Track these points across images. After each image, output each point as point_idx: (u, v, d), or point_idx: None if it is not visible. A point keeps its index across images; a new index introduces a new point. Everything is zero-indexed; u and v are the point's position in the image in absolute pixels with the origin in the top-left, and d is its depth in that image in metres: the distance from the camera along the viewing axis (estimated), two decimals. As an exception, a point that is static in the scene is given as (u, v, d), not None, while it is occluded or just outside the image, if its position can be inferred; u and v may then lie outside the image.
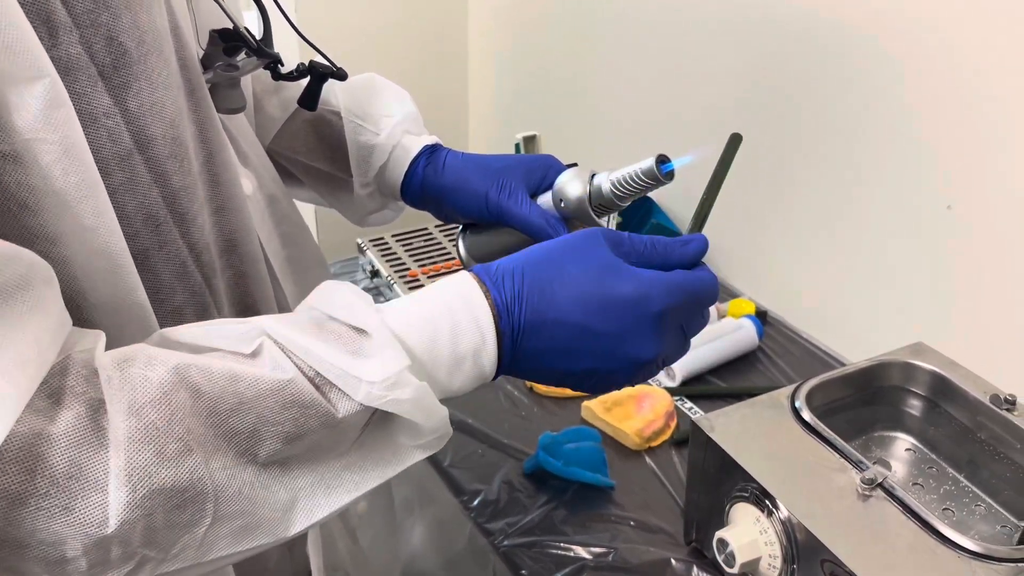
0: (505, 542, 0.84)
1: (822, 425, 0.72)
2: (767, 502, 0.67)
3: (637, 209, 1.41)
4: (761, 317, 1.19)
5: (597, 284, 0.50)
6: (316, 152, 0.80)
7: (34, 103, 0.41)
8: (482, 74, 1.77)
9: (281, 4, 0.68)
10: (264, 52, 0.62)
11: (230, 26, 0.60)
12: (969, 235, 0.98)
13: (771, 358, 1.14)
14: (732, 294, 1.28)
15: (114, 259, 0.46)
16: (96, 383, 0.40)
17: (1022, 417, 0.74)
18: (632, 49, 1.39)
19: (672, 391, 1.05)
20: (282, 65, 0.67)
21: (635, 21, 1.37)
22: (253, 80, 0.77)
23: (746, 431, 0.73)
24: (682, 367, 1.06)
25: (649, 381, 1.06)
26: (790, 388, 0.77)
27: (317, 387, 0.44)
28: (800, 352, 1.16)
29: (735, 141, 0.57)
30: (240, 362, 0.44)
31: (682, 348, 0.56)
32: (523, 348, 0.50)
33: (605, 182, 0.67)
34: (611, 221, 0.89)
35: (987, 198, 0.95)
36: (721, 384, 1.08)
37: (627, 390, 1.02)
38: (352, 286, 0.49)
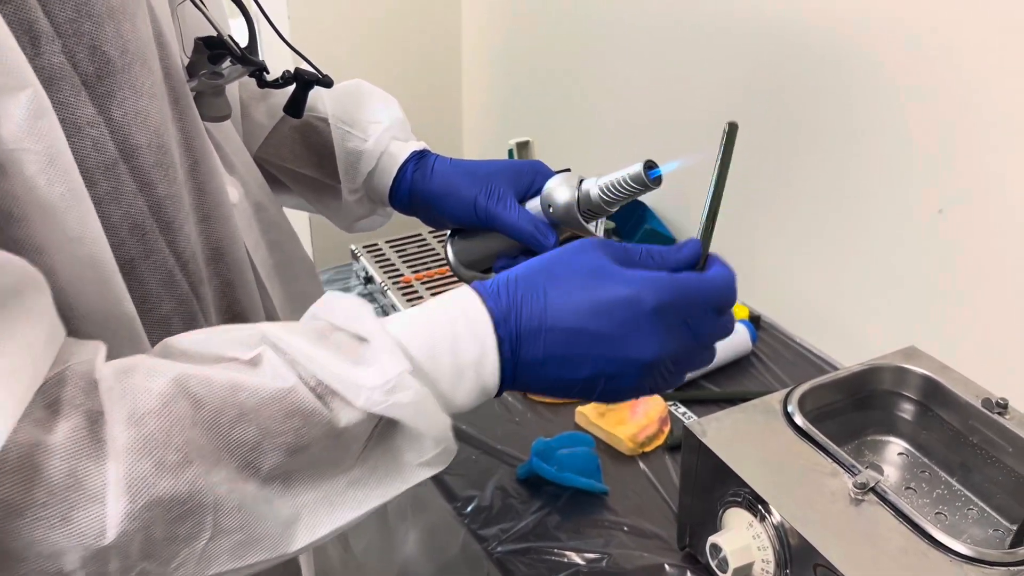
0: (499, 548, 0.84)
1: (814, 430, 0.72)
2: (760, 507, 0.67)
3: (630, 214, 1.41)
4: (755, 322, 1.19)
5: (589, 288, 0.51)
6: (304, 159, 0.80)
7: (18, 113, 0.40)
8: (476, 79, 1.78)
9: (267, 12, 0.68)
10: (248, 60, 0.62)
11: (214, 34, 0.60)
12: (961, 239, 0.98)
13: (764, 363, 1.14)
14: (725, 299, 1.28)
15: (101, 269, 0.46)
16: (95, 395, 0.40)
17: (1014, 421, 0.74)
18: (626, 55, 1.40)
19: (665, 396, 1.05)
20: (267, 73, 0.67)
21: (629, 27, 1.38)
22: (240, 87, 0.77)
23: (738, 436, 0.73)
24: (675, 372, 1.06)
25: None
26: (783, 393, 0.77)
27: (319, 396, 0.44)
28: (793, 356, 1.16)
29: (732, 131, 0.56)
30: (241, 371, 0.44)
31: (695, 351, 0.54)
32: (523, 358, 0.50)
33: (593, 187, 0.67)
34: (600, 226, 0.89)
35: (978, 202, 0.95)
36: (715, 389, 1.08)
37: (620, 395, 1.02)
38: (355, 297, 0.49)
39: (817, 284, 1.19)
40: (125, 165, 0.48)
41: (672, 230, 1.37)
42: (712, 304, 0.53)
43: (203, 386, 0.42)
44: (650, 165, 0.64)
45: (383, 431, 0.48)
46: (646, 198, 1.37)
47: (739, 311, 1.19)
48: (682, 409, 1.04)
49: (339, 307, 0.48)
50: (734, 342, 1.12)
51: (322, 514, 0.46)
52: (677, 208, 1.37)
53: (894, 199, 1.05)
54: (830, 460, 0.70)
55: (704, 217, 0.57)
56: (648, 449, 0.97)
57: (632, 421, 0.99)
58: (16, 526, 0.37)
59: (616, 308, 0.50)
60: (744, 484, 0.68)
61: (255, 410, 0.42)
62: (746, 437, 0.73)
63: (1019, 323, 0.95)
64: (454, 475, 0.93)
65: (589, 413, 1.00)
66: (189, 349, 0.45)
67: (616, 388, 0.53)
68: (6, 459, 0.36)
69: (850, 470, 0.68)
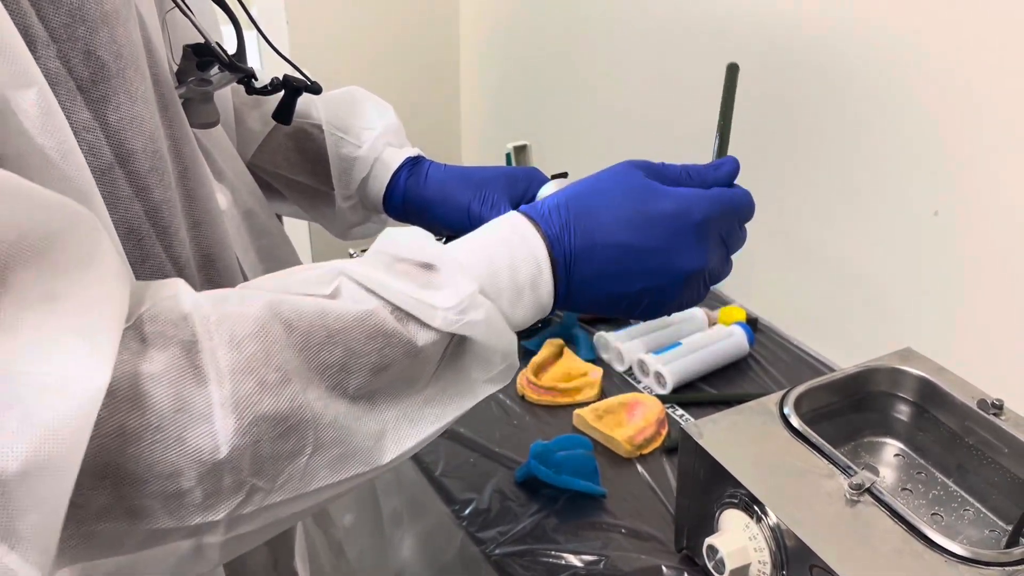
0: (496, 551, 0.84)
1: (810, 431, 0.73)
2: (756, 508, 0.68)
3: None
4: (752, 324, 1.19)
5: (639, 203, 0.53)
6: (298, 166, 0.80)
7: (31, 109, 0.41)
8: (473, 84, 1.78)
9: (257, 20, 0.68)
10: (236, 67, 0.62)
11: (202, 41, 0.60)
12: (955, 240, 0.99)
13: (762, 365, 1.14)
14: (723, 301, 1.29)
15: None
16: (185, 326, 0.41)
17: (1009, 422, 0.74)
18: (623, 59, 1.40)
19: (663, 398, 1.05)
20: (255, 80, 0.67)
21: (626, 31, 1.38)
22: (234, 94, 0.77)
23: (735, 438, 0.73)
24: (673, 374, 1.06)
25: (639, 387, 1.07)
26: (779, 394, 0.78)
27: (398, 319, 0.46)
28: (790, 359, 1.16)
29: (733, 72, 0.60)
30: (325, 300, 0.46)
31: (725, 264, 0.58)
32: (576, 276, 0.53)
33: None
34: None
35: (972, 204, 0.96)
36: (712, 391, 1.08)
37: (618, 398, 1.03)
38: (415, 228, 0.51)
39: (814, 286, 1.20)
40: (121, 170, 0.48)
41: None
42: (741, 218, 0.58)
43: (293, 311, 0.44)
44: None
45: (454, 351, 0.50)
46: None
47: (736, 314, 1.19)
48: (679, 411, 1.04)
49: (401, 239, 0.50)
50: (731, 344, 1.12)
51: (405, 428, 0.48)
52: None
53: (890, 202, 1.05)
54: (826, 461, 0.70)
55: (716, 148, 0.62)
56: (646, 451, 0.97)
57: (630, 424, 1.00)
58: (136, 451, 0.38)
59: (664, 222, 0.53)
60: (740, 485, 0.69)
61: (341, 331, 0.45)
62: (742, 439, 0.73)
63: (1015, 324, 0.95)
64: (452, 478, 0.93)
65: (587, 416, 1.00)
66: (272, 287, 0.47)
67: (660, 300, 0.55)
68: (118, 388, 0.38)
69: (846, 471, 0.69)
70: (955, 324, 1.01)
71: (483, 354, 0.50)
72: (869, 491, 0.67)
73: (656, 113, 1.36)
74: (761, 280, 1.28)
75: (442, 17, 1.71)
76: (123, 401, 0.38)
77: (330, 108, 0.78)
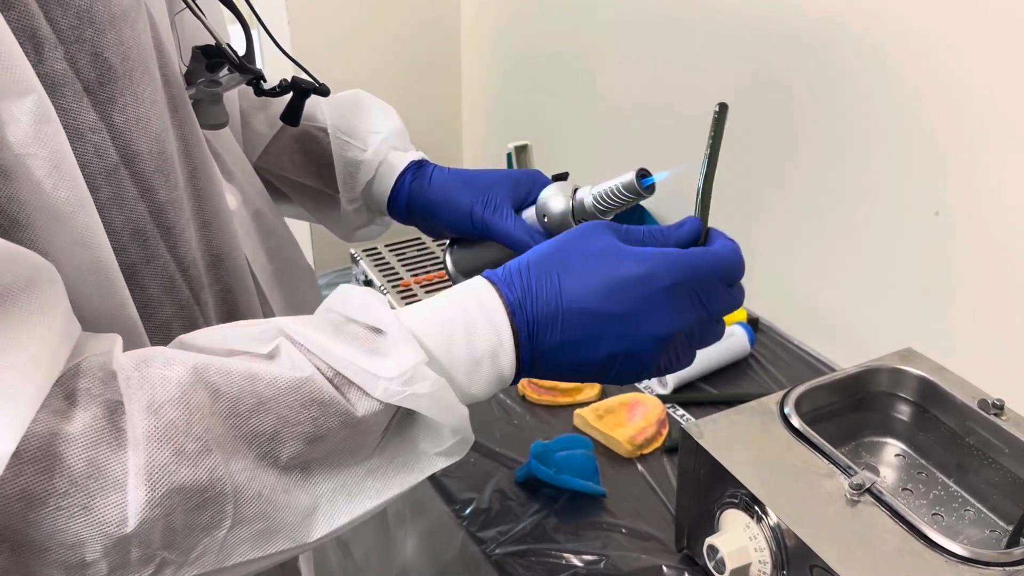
0: (497, 550, 0.84)
1: (811, 431, 0.73)
2: (756, 508, 0.68)
3: (628, 217, 1.41)
4: (753, 324, 1.19)
5: (603, 268, 0.51)
6: (303, 168, 0.80)
7: (24, 117, 0.41)
8: (475, 83, 1.78)
9: (264, 21, 0.68)
10: (246, 68, 0.62)
11: (212, 43, 0.61)
12: (956, 240, 0.99)
13: (763, 365, 1.14)
14: (724, 301, 1.28)
15: (104, 273, 0.46)
16: (113, 385, 0.40)
17: (1010, 422, 0.74)
18: (625, 59, 1.40)
19: (664, 398, 1.05)
20: (264, 81, 0.67)
21: (627, 30, 1.38)
22: (240, 96, 0.78)
23: (735, 437, 0.73)
24: (674, 375, 1.06)
25: (640, 387, 1.07)
26: (779, 394, 0.78)
27: (336, 386, 0.44)
28: (791, 359, 1.16)
29: (723, 113, 0.57)
30: (258, 362, 0.44)
31: (707, 325, 0.55)
32: (541, 344, 0.51)
33: (587, 196, 0.68)
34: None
35: (973, 204, 0.96)
36: (712, 391, 1.08)
37: (619, 397, 1.03)
38: (368, 289, 0.49)
39: (815, 286, 1.20)
40: (126, 170, 0.48)
41: (670, 233, 1.37)
42: (723, 277, 0.54)
43: (221, 375, 0.42)
44: (643, 174, 0.64)
45: (400, 421, 0.48)
46: (645, 202, 1.37)
47: (737, 313, 1.19)
48: (680, 411, 1.04)
49: (353, 299, 0.48)
50: (732, 344, 1.12)
51: (341, 503, 0.46)
52: (674, 211, 1.38)
53: (891, 201, 1.05)
54: (826, 461, 0.70)
55: (699, 195, 0.58)
56: (646, 451, 0.97)
57: (630, 423, 0.99)
58: (38, 516, 0.37)
59: (631, 286, 0.51)
60: (741, 485, 0.69)
61: (273, 399, 0.43)
62: (743, 439, 0.73)
63: (1016, 324, 0.95)
64: (452, 478, 0.93)
65: (588, 415, 1.00)
66: (205, 345, 0.45)
67: (632, 367, 0.53)
68: (26, 449, 0.36)
69: (846, 471, 0.69)
70: (956, 324, 1.01)
71: (432, 426, 0.48)
72: (869, 491, 0.67)
73: (658, 112, 1.36)
74: (762, 279, 1.27)
75: (443, 16, 1.71)
76: (30, 463, 0.36)
77: (335, 111, 0.79)
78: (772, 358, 1.16)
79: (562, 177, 0.96)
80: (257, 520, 0.43)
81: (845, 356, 1.10)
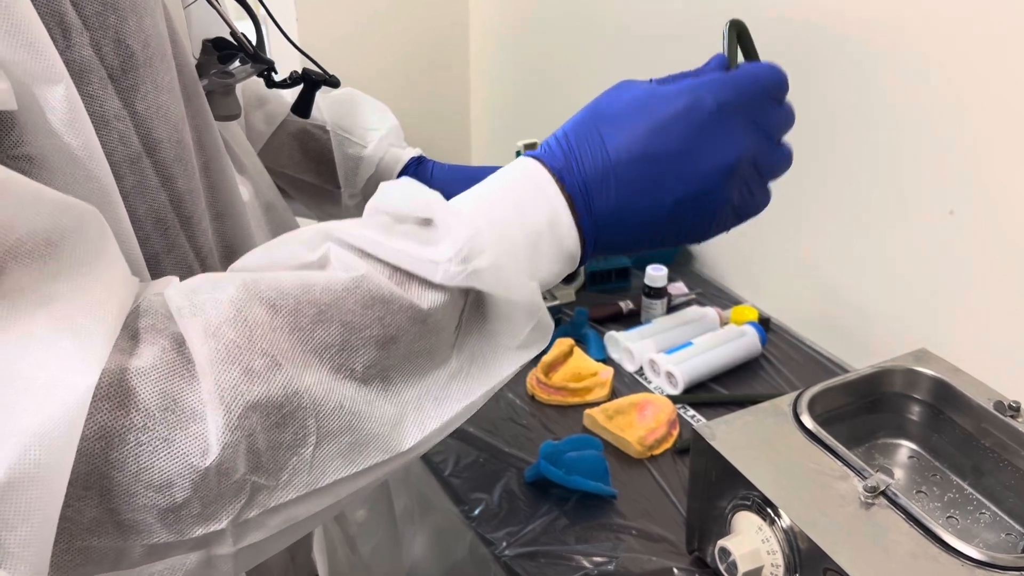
0: (507, 552, 0.83)
1: (824, 432, 0.72)
2: (769, 510, 0.67)
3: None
4: (764, 324, 1.18)
5: (643, 111, 0.48)
6: (302, 165, 0.81)
7: (59, 106, 0.40)
8: (483, 81, 1.78)
9: (274, 14, 0.69)
10: (259, 58, 0.63)
11: (223, 34, 0.61)
12: (971, 240, 0.97)
13: (774, 365, 1.13)
14: (735, 300, 1.28)
15: (130, 263, 0.45)
16: (174, 320, 0.39)
17: (1027, 424, 0.73)
18: (633, 57, 1.39)
19: (674, 399, 1.04)
20: (275, 72, 0.67)
21: (635, 29, 1.37)
22: (241, 93, 0.78)
23: (747, 439, 0.73)
24: (684, 374, 1.06)
25: (650, 388, 1.06)
26: (792, 395, 0.77)
27: (395, 283, 0.42)
28: (803, 359, 1.15)
29: (731, 30, 0.55)
30: (310, 271, 0.42)
31: (769, 149, 0.51)
32: (599, 205, 0.47)
33: None
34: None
35: (988, 202, 0.95)
36: (724, 392, 1.08)
37: (629, 398, 1.02)
38: (409, 180, 0.46)
39: (827, 286, 1.19)
40: (148, 159, 0.48)
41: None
42: (769, 93, 0.50)
43: (273, 290, 0.40)
44: None
45: (471, 315, 0.45)
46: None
47: (749, 313, 1.18)
48: (691, 412, 1.04)
49: (393, 192, 0.45)
50: (743, 344, 1.12)
51: (429, 409, 0.44)
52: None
53: (905, 200, 1.04)
54: (840, 463, 0.69)
55: (725, 36, 0.55)
56: (657, 452, 0.96)
57: (640, 424, 0.99)
58: (121, 455, 0.35)
59: (678, 120, 0.47)
60: (753, 487, 0.68)
61: (332, 305, 0.40)
62: (755, 440, 0.73)
63: (1031, 325, 0.94)
64: (461, 478, 0.93)
65: (598, 416, 0.99)
66: (254, 266, 0.44)
67: (705, 212, 0.49)
68: (99, 386, 0.35)
69: (860, 473, 0.68)
70: (972, 324, 1.00)
71: (504, 312, 0.45)
72: (884, 493, 0.66)
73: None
74: (774, 280, 1.27)
75: (452, 14, 1.71)
76: (104, 400, 0.35)
77: (333, 109, 0.81)
78: (784, 359, 1.15)
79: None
80: (343, 433, 0.41)
81: (859, 357, 1.09)
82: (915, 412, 0.82)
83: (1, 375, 0.33)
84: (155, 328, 0.38)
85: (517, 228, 0.45)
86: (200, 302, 0.39)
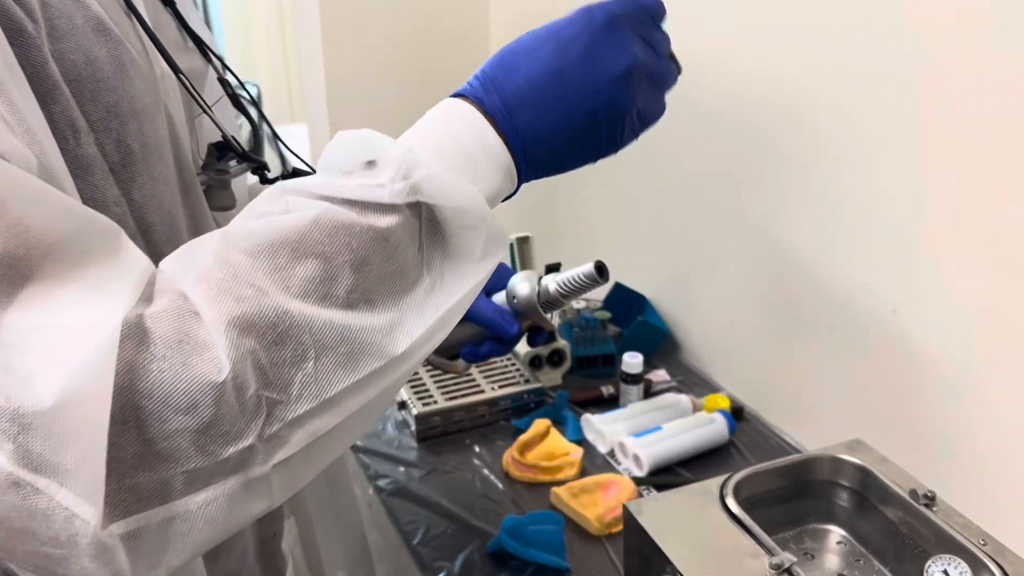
0: (460, 618, 0.89)
1: (743, 513, 0.77)
2: (684, 584, 0.72)
3: (630, 306, 1.48)
4: (737, 412, 1.24)
5: (547, 38, 0.56)
6: None
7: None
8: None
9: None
10: (249, 157, 0.73)
11: (226, 139, 0.72)
12: (913, 339, 1.03)
13: (742, 452, 1.18)
14: (712, 388, 1.33)
15: None
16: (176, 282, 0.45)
17: (940, 513, 0.77)
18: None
19: (638, 480, 1.10)
20: (268, 170, 0.78)
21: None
22: (249, 191, 0.89)
23: (672, 517, 0.78)
24: (649, 457, 1.11)
25: (618, 469, 1.11)
26: (721, 477, 0.83)
27: (354, 211, 0.47)
28: (772, 447, 1.20)
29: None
30: (276, 217, 0.47)
31: (661, 64, 0.59)
32: (522, 121, 0.55)
33: (551, 283, 0.77)
34: (554, 317, 0.95)
35: (927, 302, 1.00)
36: (689, 476, 1.13)
37: (595, 478, 1.08)
38: (351, 132, 0.52)
39: (798, 379, 1.24)
40: (143, 239, 0.57)
41: (666, 322, 1.44)
42: (649, 12, 0.58)
43: (248, 238, 0.45)
44: (600, 265, 0.74)
45: (429, 232, 0.51)
46: (648, 292, 1.45)
47: (721, 401, 1.24)
48: (654, 494, 1.09)
49: (339, 149, 0.51)
50: (711, 431, 1.17)
51: (412, 320, 0.49)
52: (673, 303, 1.44)
53: (854, 299, 1.10)
54: (754, 542, 0.75)
55: None
56: (615, 530, 1.02)
57: (603, 503, 1.05)
58: (147, 385, 0.40)
59: (577, 37, 0.55)
60: (669, 562, 0.74)
61: (302, 240, 0.45)
62: (680, 518, 0.78)
63: (959, 423, 0.98)
64: (429, 547, 0.99)
65: (563, 494, 1.05)
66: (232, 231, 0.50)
67: (615, 116, 0.56)
68: (123, 330, 0.40)
69: (771, 552, 0.73)
70: (902, 417, 1.04)
71: (457, 225, 0.51)
72: (788, 571, 0.71)
73: (655, 198, 1.44)
74: (748, 369, 1.32)
75: (471, 51, 1.82)
76: (127, 339, 0.40)
77: None
78: (753, 447, 1.20)
79: (555, 268, 1.04)
80: (338, 345, 0.45)
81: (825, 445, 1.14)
82: (843, 499, 0.86)
83: (43, 325, 0.40)
84: (162, 289, 0.45)
85: (450, 146, 0.53)
86: (189, 260, 0.46)
